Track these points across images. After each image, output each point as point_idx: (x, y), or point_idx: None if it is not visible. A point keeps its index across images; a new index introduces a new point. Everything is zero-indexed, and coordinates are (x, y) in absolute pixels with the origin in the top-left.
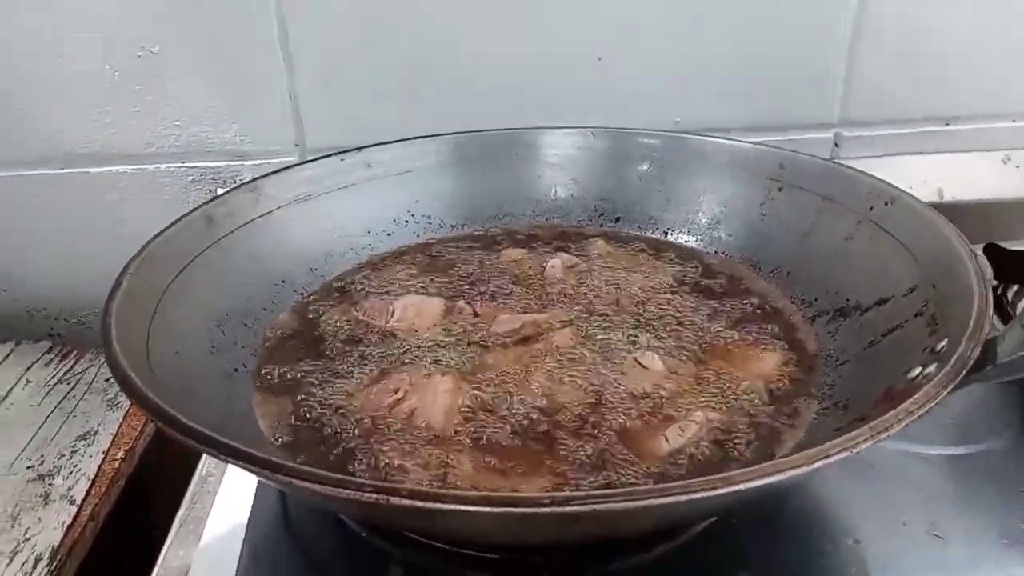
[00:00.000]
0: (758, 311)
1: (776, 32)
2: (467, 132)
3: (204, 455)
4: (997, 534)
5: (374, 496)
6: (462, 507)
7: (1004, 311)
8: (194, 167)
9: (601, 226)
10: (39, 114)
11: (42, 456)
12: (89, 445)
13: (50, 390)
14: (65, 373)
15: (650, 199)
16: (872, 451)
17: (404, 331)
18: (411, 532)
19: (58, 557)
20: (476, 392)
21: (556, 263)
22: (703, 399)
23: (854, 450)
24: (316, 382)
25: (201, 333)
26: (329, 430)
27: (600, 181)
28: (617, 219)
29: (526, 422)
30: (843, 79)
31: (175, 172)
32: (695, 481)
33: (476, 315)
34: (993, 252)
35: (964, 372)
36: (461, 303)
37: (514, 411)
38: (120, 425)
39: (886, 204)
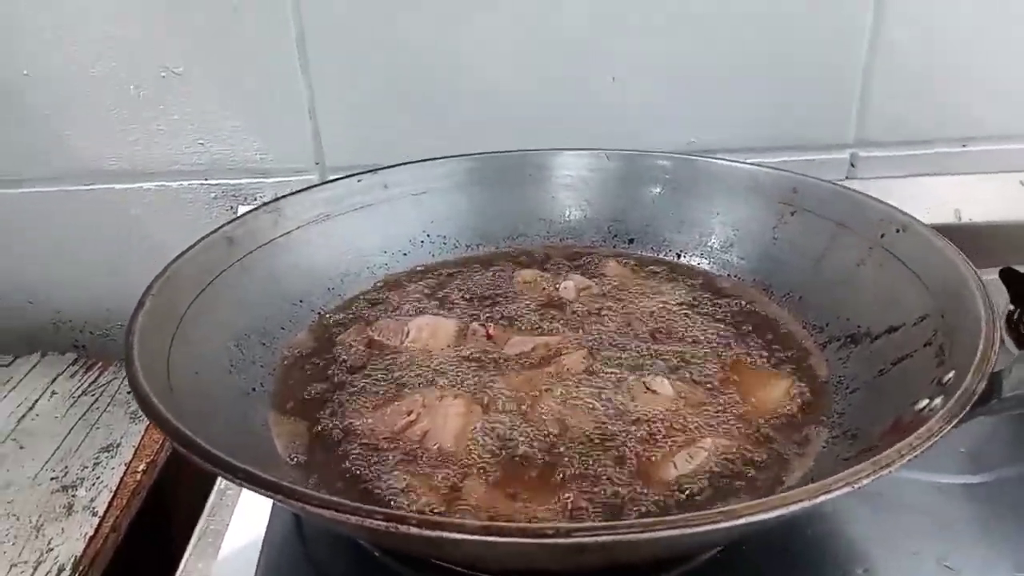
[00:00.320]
0: (770, 336)
1: (792, 53)
2: (482, 153)
3: None
4: (1010, 565)
5: (383, 524)
6: (468, 536)
7: (1021, 337)
8: (216, 184)
9: (614, 247)
10: (66, 132)
11: (66, 467)
12: (112, 457)
13: (75, 402)
14: (89, 385)
15: (663, 221)
16: (884, 480)
17: (418, 352)
18: (423, 556)
19: (80, 568)
20: (487, 415)
21: (569, 284)
22: (713, 425)
23: (856, 485)
24: (331, 402)
25: (220, 352)
26: (342, 451)
27: (613, 203)
28: (630, 241)
29: (536, 445)
30: (859, 100)
31: (198, 189)
32: (699, 515)
33: (489, 337)
34: (1009, 276)
35: (969, 406)
36: (475, 325)
37: (524, 434)
38: (142, 438)
39: (897, 231)
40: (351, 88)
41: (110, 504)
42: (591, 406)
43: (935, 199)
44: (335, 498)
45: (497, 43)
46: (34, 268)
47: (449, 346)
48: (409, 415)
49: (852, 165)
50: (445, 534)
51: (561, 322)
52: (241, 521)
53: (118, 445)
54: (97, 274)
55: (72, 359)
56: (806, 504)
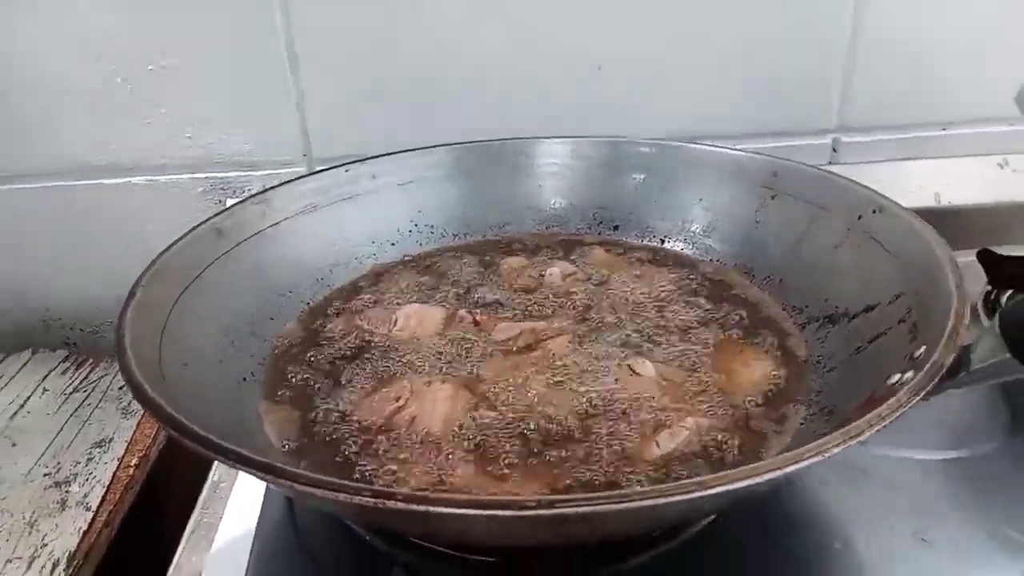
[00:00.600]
0: (750, 318)
1: (774, 40)
2: (468, 143)
3: (216, 462)
4: (984, 538)
5: (371, 500)
6: (453, 510)
7: None
8: (204, 178)
9: (599, 234)
10: (53, 127)
11: (59, 463)
12: (104, 453)
13: (66, 398)
14: (81, 382)
15: (647, 208)
16: (864, 456)
17: (406, 339)
18: (412, 536)
19: (75, 562)
20: (475, 399)
21: (555, 271)
22: (694, 405)
23: (826, 454)
24: (321, 390)
25: (211, 343)
26: (333, 437)
27: (598, 190)
28: (615, 227)
29: (522, 428)
30: (841, 85)
31: (186, 183)
32: (675, 484)
33: (476, 324)
34: (987, 257)
35: (938, 378)
36: (462, 312)
37: (511, 418)
38: (134, 433)
39: (874, 212)
40: (338, 80)
41: (103, 499)
42: (576, 389)
43: (915, 183)
44: (325, 477)
45: (483, 33)
46: (22, 265)
47: (437, 333)
48: (397, 401)
49: (834, 150)
50: (431, 508)
51: (547, 308)
52: (234, 513)
53: (110, 440)
54: (86, 270)
55: (63, 356)
56: (778, 473)
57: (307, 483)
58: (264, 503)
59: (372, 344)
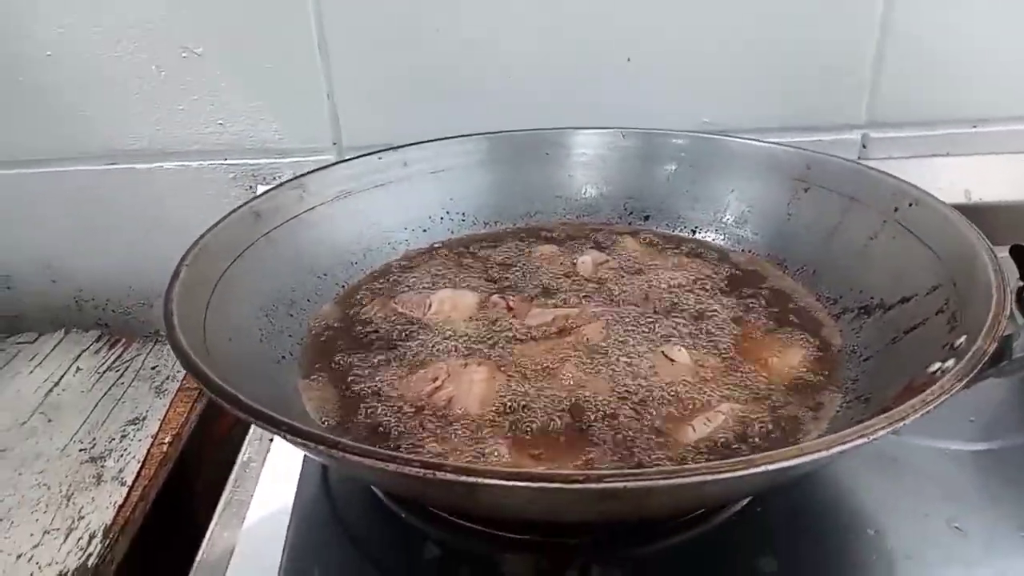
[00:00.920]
0: (784, 308)
1: (804, 34)
2: (500, 132)
3: (247, 441)
4: (1016, 527)
5: (421, 471)
6: (502, 482)
7: None
8: (235, 164)
9: (630, 224)
10: (88, 112)
11: (94, 439)
12: (138, 430)
13: (100, 377)
14: (114, 361)
15: (678, 198)
16: (896, 446)
17: (440, 323)
18: (450, 510)
19: (111, 535)
20: (510, 381)
21: (586, 260)
22: (729, 391)
23: (871, 437)
24: (358, 370)
25: (251, 322)
26: (371, 415)
27: (629, 180)
28: (646, 217)
29: (558, 410)
30: (870, 81)
31: (217, 169)
32: (721, 462)
33: (509, 309)
34: (1019, 254)
35: (980, 367)
36: (495, 297)
37: (547, 400)
38: (167, 411)
39: (910, 205)
40: (368, 68)
41: (138, 474)
42: (611, 373)
43: (945, 180)
44: (373, 447)
45: (514, 24)
46: (56, 247)
47: (471, 318)
48: (435, 381)
49: (864, 146)
50: (480, 480)
51: (579, 295)
52: (265, 491)
53: (144, 418)
54: (118, 253)
55: (96, 336)
56: (824, 454)
57: (358, 453)
58: (300, 481)
59: (407, 327)
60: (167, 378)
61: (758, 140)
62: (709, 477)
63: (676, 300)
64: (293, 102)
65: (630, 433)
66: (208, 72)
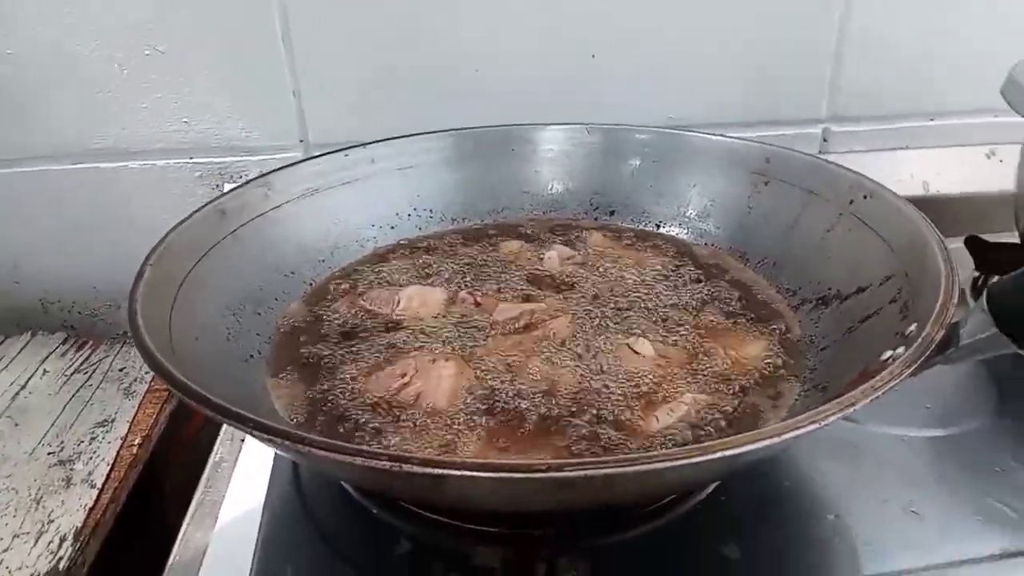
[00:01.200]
0: (745, 300)
1: (766, 31)
2: (466, 128)
3: (218, 442)
4: (971, 511)
5: (388, 464)
6: (467, 473)
7: None
8: (201, 163)
9: (596, 219)
10: (50, 111)
11: (62, 442)
12: (107, 432)
13: (67, 380)
14: (81, 363)
15: (643, 193)
16: (856, 433)
17: (409, 319)
18: (420, 504)
19: (81, 538)
20: (478, 376)
21: (553, 255)
22: (692, 382)
23: (823, 422)
24: (327, 368)
25: (218, 321)
26: (340, 412)
27: (595, 176)
28: (611, 212)
29: (525, 404)
30: (831, 76)
31: (182, 167)
32: (679, 449)
33: (477, 304)
34: (974, 244)
35: (928, 354)
36: (463, 293)
37: (514, 393)
38: (136, 413)
39: (865, 197)
40: (335, 66)
41: (108, 476)
42: (577, 367)
43: (904, 172)
44: (343, 443)
45: (479, 21)
46: (20, 249)
47: (439, 314)
48: (403, 377)
49: (824, 140)
50: (446, 471)
51: (546, 290)
52: (236, 492)
53: (113, 420)
54: (84, 254)
55: (62, 338)
56: (776, 440)
57: (326, 448)
58: (271, 480)
59: (375, 324)
60: (135, 380)
61: (719, 135)
62: (668, 464)
63: (641, 294)
64: (259, 99)
65: (596, 424)
66: (172, 70)
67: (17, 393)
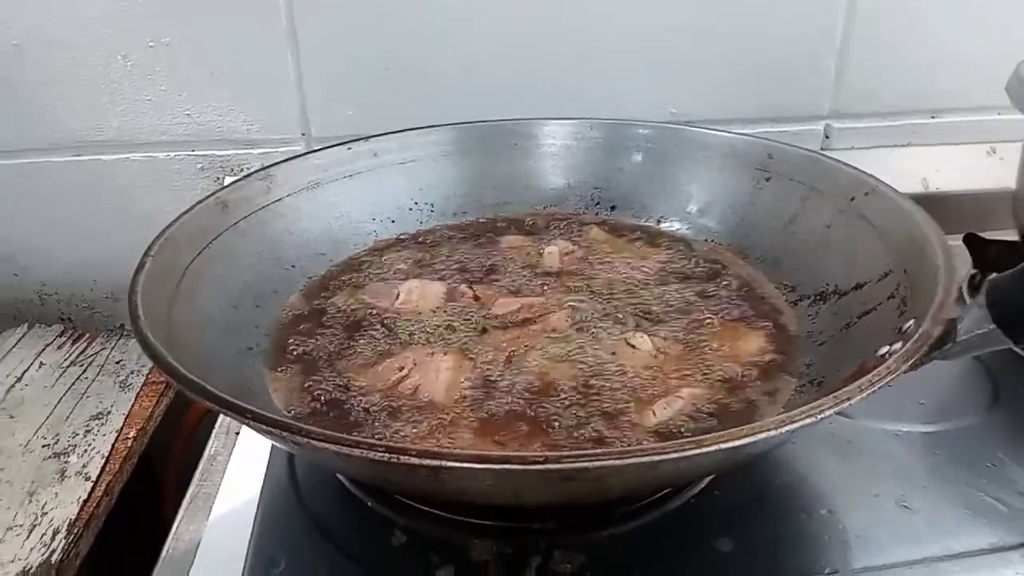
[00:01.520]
0: (744, 295)
1: (769, 27)
2: (468, 123)
3: (213, 434)
4: (963, 505)
5: (385, 455)
6: (465, 464)
7: None
8: (203, 155)
9: (597, 214)
10: (53, 103)
11: (57, 435)
12: (102, 425)
13: (63, 372)
14: (77, 356)
15: (644, 188)
16: (851, 428)
17: (408, 313)
18: (416, 496)
19: (75, 530)
20: (476, 369)
21: (553, 250)
22: (689, 377)
23: (819, 416)
24: (325, 361)
25: (217, 313)
26: (338, 404)
27: (596, 171)
28: (612, 207)
29: (523, 397)
30: (834, 73)
31: (184, 160)
32: (675, 442)
33: (476, 299)
34: (973, 241)
35: (925, 349)
36: (462, 287)
37: (512, 387)
38: (132, 406)
39: (866, 194)
40: (338, 60)
41: (102, 469)
42: (575, 361)
43: (904, 169)
44: (340, 434)
45: (481, 15)
46: (19, 240)
47: (438, 308)
48: (401, 370)
49: (826, 136)
50: (444, 463)
51: (545, 284)
52: (231, 485)
53: (108, 413)
54: (83, 246)
55: (59, 331)
56: (772, 433)
57: (323, 439)
58: (267, 473)
59: (374, 317)
60: (131, 372)
61: (721, 130)
62: (665, 457)
63: (640, 289)
64: (262, 92)
65: (594, 418)
66: (175, 62)
67: (13, 385)
